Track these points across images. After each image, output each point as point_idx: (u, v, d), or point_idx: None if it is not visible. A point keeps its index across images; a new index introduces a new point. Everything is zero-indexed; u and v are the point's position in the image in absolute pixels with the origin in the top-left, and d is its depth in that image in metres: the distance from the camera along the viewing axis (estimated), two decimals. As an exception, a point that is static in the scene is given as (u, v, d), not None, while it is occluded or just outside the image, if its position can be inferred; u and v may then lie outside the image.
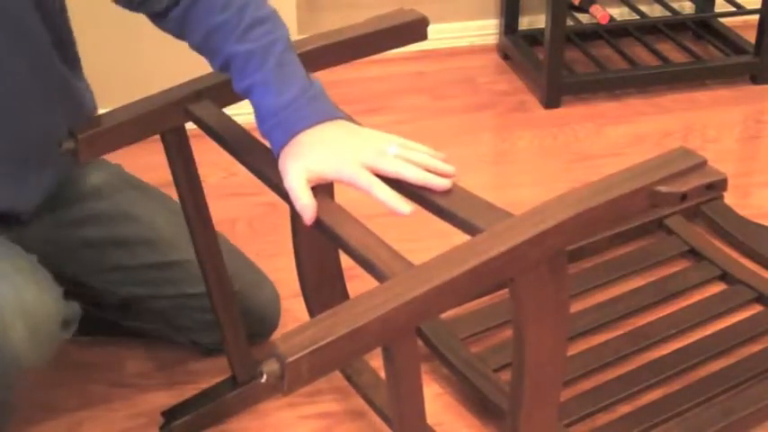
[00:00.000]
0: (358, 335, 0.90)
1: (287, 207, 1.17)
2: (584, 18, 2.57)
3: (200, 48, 1.23)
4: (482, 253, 0.97)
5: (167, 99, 1.31)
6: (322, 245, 1.47)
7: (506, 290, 1.04)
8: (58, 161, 1.44)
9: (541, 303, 1.04)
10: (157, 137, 1.34)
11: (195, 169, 1.39)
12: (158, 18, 1.25)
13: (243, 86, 1.18)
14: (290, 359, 0.86)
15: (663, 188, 1.05)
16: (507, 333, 1.65)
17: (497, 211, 1.06)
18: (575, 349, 1.64)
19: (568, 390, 1.55)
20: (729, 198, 2.01)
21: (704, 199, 1.95)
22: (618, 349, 1.64)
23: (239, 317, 1.51)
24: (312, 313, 1.54)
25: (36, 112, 1.34)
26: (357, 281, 1.30)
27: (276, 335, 1.64)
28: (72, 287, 1.49)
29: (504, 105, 2.49)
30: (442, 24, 2.69)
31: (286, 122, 1.13)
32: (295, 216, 1.23)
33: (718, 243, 1.93)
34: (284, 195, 1.12)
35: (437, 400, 1.59)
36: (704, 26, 2.78)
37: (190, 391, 1.59)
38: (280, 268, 1.66)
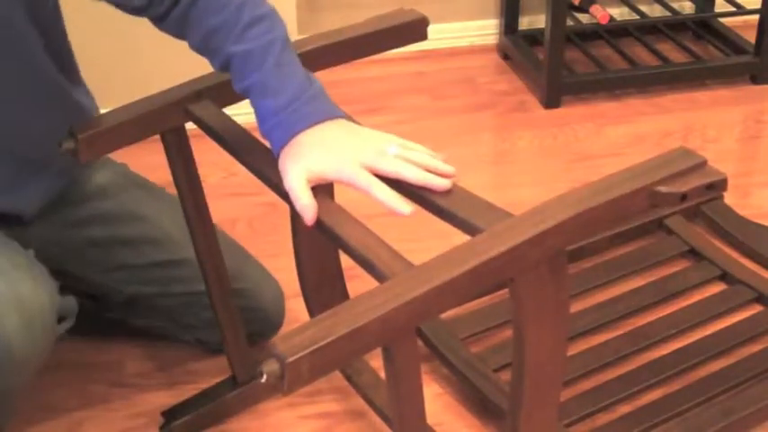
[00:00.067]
0: (358, 335, 0.90)
1: (287, 207, 1.17)
2: (584, 18, 2.57)
3: (199, 48, 1.23)
4: (482, 253, 0.97)
5: (167, 99, 1.31)
6: (322, 245, 1.47)
7: (506, 290, 1.04)
8: (58, 167, 1.44)
9: (541, 303, 1.04)
10: (157, 137, 1.34)
11: (195, 169, 1.39)
12: (159, 20, 1.25)
13: (242, 87, 1.18)
14: (290, 359, 0.86)
15: (663, 188, 1.05)
16: (507, 333, 1.65)
17: (497, 211, 1.06)
18: (575, 349, 1.64)
19: (568, 390, 1.55)
20: (729, 198, 2.01)
21: (704, 199, 1.95)
22: (618, 349, 1.64)
23: (239, 316, 1.51)
24: (312, 313, 1.54)
25: (29, 118, 1.34)
26: (357, 281, 1.30)
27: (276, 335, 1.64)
28: (76, 285, 1.49)
29: (504, 105, 2.49)
30: (442, 24, 2.69)
31: (285, 123, 1.13)
32: (295, 216, 1.23)
33: (718, 243, 1.93)
34: (284, 195, 1.12)
35: (437, 400, 1.59)
36: (704, 26, 2.78)
37: (190, 391, 1.59)
38: (280, 268, 1.66)
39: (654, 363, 1.62)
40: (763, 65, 2.54)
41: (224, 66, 1.20)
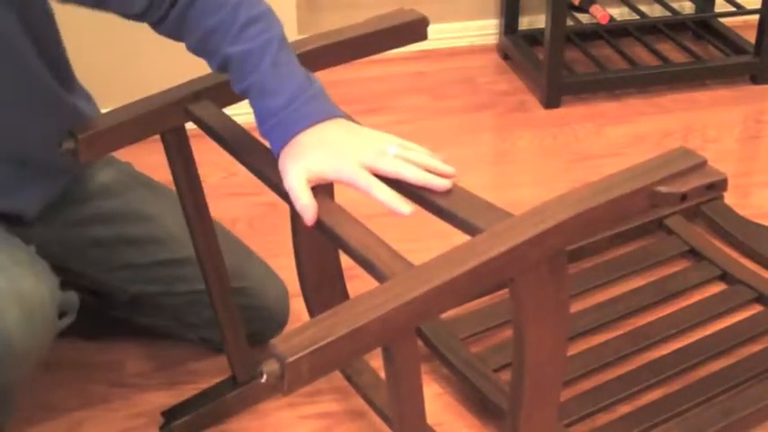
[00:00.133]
0: (358, 335, 0.90)
1: (287, 207, 1.17)
2: (584, 18, 2.57)
3: (196, 50, 1.23)
4: (482, 253, 0.97)
5: (167, 99, 1.31)
6: (322, 245, 1.47)
7: (506, 290, 1.04)
8: (58, 169, 1.44)
9: (541, 303, 1.04)
10: (157, 137, 1.34)
11: (195, 169, 1.39)
12: (157, 24, 1.25)
13: (241, 88, 1.18)
14: (290, 359, 0.86)
15: (663, 188, 1.05)
16: (507, 333, 1.65)
17: (497, 211, 1.06)
18: (575, 349, 1.64)
19: (568, 390, 1.55)
20: (729, 198, 2.01)
21: (704, 199, 1.95)
22: (618, 349, 1.64)
23: (239, 316, 1.51)
24: (312, 313, 1.54)
25: (25, 124, 1.34)
26: (357, 281, 1.31)
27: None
28: (79, 281, 1.49)
29: (504, 105, 2.49)
30: (442, 24, 2.69)
31: (285, 123, 1.13)
32: (295, 216, 1.23)
33: (718, 243, 1.93)
34: (284, 195, 1.12)
35: (437, 400, 1.59)
36: (704, 26, 2.78)
37: (190, 391, 1.59)
38: (280, 268, 1.65)
39: (654, 363, 1.62)
40: (763, 65, 2.54)
41: (222, 67, 1.20)
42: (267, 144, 1.17)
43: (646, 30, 2.73)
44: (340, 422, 1.56)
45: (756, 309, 1.76)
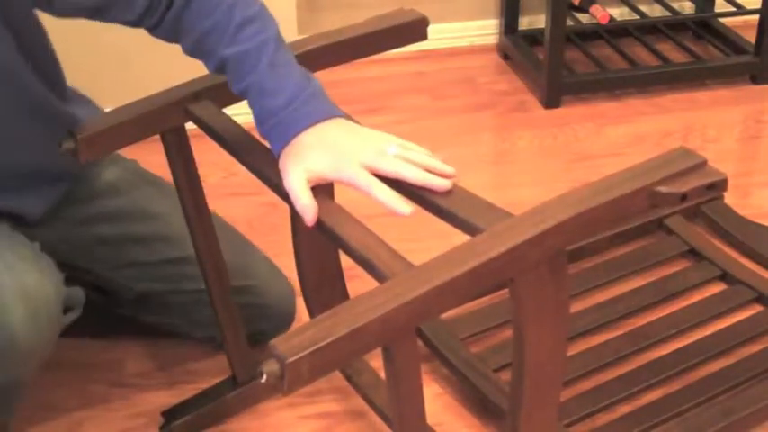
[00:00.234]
0: (358, 335, 0.90)
1: (287, 207, 1.17)
2: (584, 18, 2.57)
3: (193, 52, 1.23)
4: (482, 253, 0.97)
5: (167, 99, 1.31)
6: (322, 245, 1.47)
7: (506, 290, 1.04)
8: (58, 178, 1.44)
9: (541, 303, 1.04)
10: (157, 137, 1.34)
11: (195, 169, 1.39)
12: (153, 28, 1.25)
13: (239, 89, 1.18)
14: (290, 359, 0.86)
15: (663, 188, 1.05)
16: (507, 333, 1.65)
17: (497, 211, 1.06)
18: (575, 349, 1.64)
19: (568, 390, 1.55)
20: (729, 198, 2.01)
21: (704, 199, 1.95)
22: (618, 349, 1.64)
23: (239, 316, 1.51)
24: (312, 313, 1.54)
25: (22, 137, 1.34)
26: (357, 281, 1.31)
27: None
28: (84, 277, 1.49)
29: (504, 105, 2.49)
30: (442, 24, 2.69)
31: (285, 123, 1.13)
32: (295, 216, 1.23)
33: (718, 243, 1.93)
34: (284, 195, 1.12)
35: (437, 400, 1.59)
36: (704, 26, 2.78)
37: (190, 391, 1.59)
38: (280, 268, 1.65)
39: (654, 363, 1.62)
40: (763, 65, 2.54)
41: (219, 68, 1.20)
42: (267, 144, 1.17)
43: (646, 30, 2.73)
44: (340, 422, 1.56)
45: (756, 309, 1.76)
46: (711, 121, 2.40)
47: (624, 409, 1.54)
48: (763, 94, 2.52)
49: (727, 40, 2.67)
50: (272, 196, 1.20)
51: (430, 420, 1.12)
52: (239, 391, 1.56)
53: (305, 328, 0.89)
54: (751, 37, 2.58)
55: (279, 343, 0.88)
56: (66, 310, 1.32)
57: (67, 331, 1.34)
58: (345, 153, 1.11)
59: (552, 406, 1.14)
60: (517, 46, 2.63)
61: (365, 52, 1.43)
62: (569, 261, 1.29)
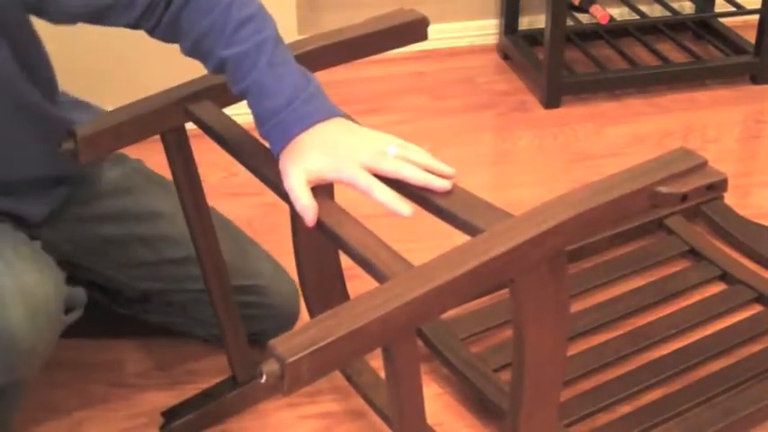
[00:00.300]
0: (358, 335, 0.90)
1: (287, 207, 1.17)
2: (584, 18, 2.57)
3: (191, 52, 1.23)
4: (482, 253, 0.97)
5: (167, 99, 1.31)
6: (322, 245, 1.47)
7: (506, 290, 1.04)
8: (59, 182, 1.44)
9: (541, 303, 1.04)
10: (157, 137, 1.34)
11: (195, 169, 1.39)
12: (152, 30, 1.25)
13: (238, 89, 1.18)
14: (290, 360, 0.86)
15: (663, 189, 1.05)
16: (507, 333, 1.65)
17: (497, 211, 1.06)
18: (575, 349, 1.64)
19: (568, 390, 1.55)
20: (729, 198, 2.01)
21: (704, 199, 1.95)
22: (618, 349, 1.64)
23: (239, 316, 1.51)
24: (312, 313, 1.54)
25: (20, 145, 1.34)
26: (357, 281, 1.30)
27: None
28: (86, 276, 1.49)
29: (504, 105, 2.49)
30: (442, 24, 2.69)
31: (284, 124, 1.13)
32: (295, 216, 1.23)
33: (718, 243, 1.93)
34: (284, 196, 1.12)
35: (437, 400, 1.59)
36: (704, 26, 2.78)
37: (190, 391, 1.59)
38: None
39: (654, 363, 1.62)
40: (763, 65, 2.54)
41: (218, 69, 1.20)
42: (267, 144, 1.17)
43: (646, 30, 2.72)
44: (340, 422, 1.56)
45: (756, 309, 1.76)
46: (711, 121, 2.40)
47: (624, 409, 1.54)
48: (763, 94, 2.52)
49: (727, 40, 2.67)
50: (272, 196, 1.20)
51: (430, 420, 1.12)
52: (239, 391, 1.56)
53: (305, 329, 0.89)
54: (751, 37, 2.58)
55: (278, 343, 0.88)
56: (68, 310, 1.32)
57: (68, 331, 1.34)
58: (345, 153, 1.11)
59: (552, 406, 1.14)
60: (517, 46, 2.63)
61: (365, 52, 1.43)
62: (569, 261, 1.29)
